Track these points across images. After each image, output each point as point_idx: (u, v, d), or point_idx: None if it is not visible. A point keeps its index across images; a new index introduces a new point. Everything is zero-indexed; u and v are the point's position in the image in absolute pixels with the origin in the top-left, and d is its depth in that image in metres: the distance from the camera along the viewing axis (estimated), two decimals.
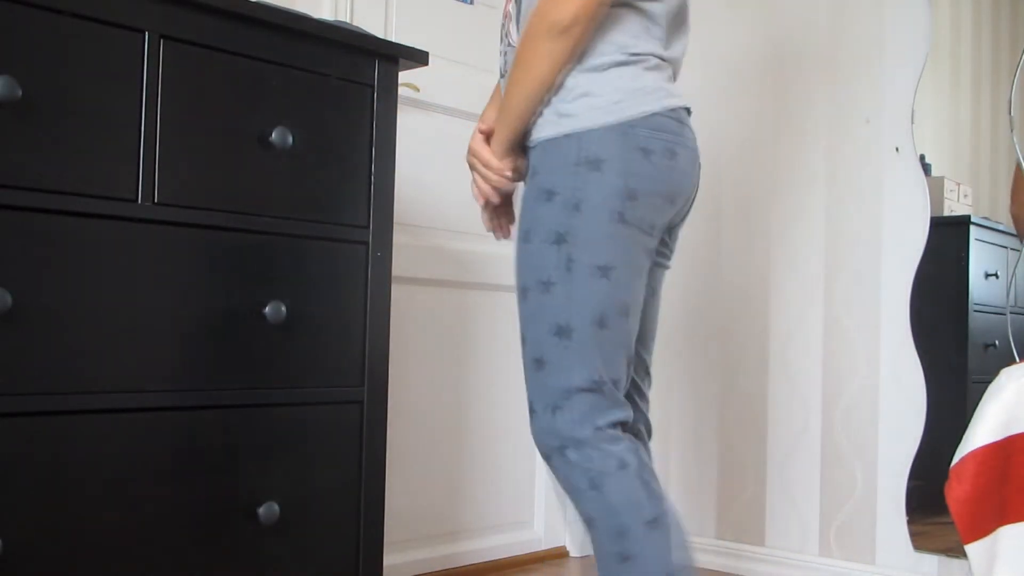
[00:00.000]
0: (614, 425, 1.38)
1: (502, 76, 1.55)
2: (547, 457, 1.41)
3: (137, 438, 1.39)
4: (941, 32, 2.47)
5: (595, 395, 1.37)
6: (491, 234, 1.67)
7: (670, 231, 1.55)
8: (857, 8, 2.50)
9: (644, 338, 1.57)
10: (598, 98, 1.39)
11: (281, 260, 1.55)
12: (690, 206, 1.53)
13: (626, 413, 1.40)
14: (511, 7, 1.52)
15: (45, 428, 1.31)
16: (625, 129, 1.38)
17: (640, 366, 1.59)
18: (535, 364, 1.39)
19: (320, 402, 1.59)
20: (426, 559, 2.47)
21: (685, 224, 1.59)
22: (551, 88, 1.42)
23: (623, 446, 1.37)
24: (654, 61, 1.44)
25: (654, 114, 1.40)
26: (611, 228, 1.37)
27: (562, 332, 1.37)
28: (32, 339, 1.29)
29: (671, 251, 1.59)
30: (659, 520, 1.35)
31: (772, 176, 2.65)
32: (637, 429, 1.56)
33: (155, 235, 1.41)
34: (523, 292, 1.41)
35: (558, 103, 1.42)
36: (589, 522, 1.39)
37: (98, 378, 1.35)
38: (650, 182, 1.39)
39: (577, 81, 1.41)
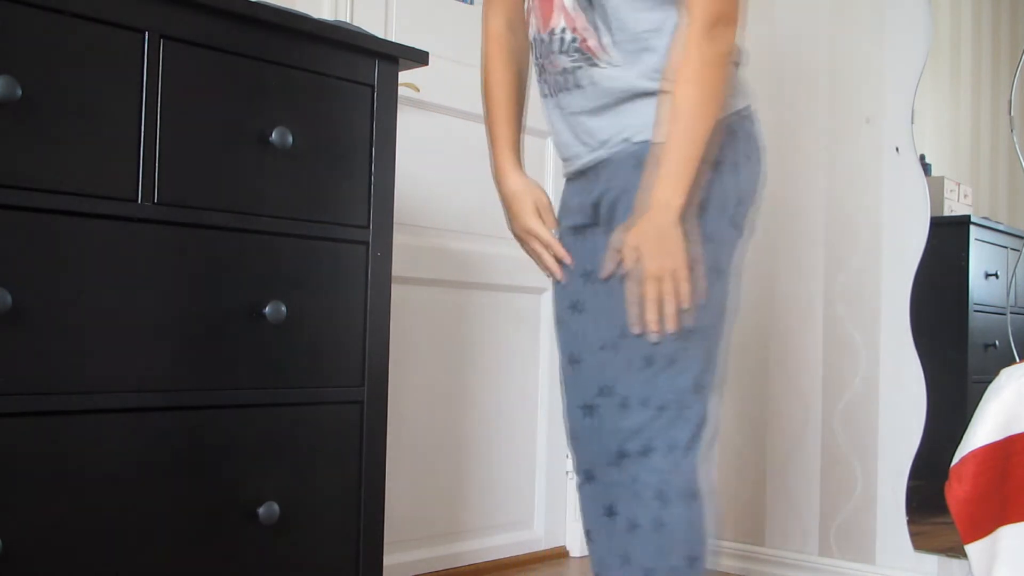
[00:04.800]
0: None
1: (549, 95, 1.49)
2: None
3: (137, 438, 1.39)
4: (941, 32, 2.47)
5: None
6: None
7: None
8: (857, 8, 2.50)
9: None
10: None
11: (281, 260, 1.55)
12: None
13: None
14: (577, 9, 1.40)
15: (45, 428, 1.31)
16: None
17: None
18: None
19: (320, 402, 1.59)
20: (426, 559, 2.47)
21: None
22: None
23: None
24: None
25: None
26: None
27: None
28: (32, 339, 1.29)
29: None
30: None
31: (772, 176, 2.64)
32: None
33: (155, 235, 1.41)
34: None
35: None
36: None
37: (98, 378, 1.35)
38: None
39: None
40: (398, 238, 2.40)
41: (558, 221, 1.55)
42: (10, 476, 1.27)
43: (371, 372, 1.66)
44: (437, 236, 2.51)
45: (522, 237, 1.56)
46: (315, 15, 1.84)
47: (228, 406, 1.49)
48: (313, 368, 1.58)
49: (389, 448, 2.39)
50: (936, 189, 2.46)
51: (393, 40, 2.17)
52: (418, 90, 2.42)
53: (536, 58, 1.50)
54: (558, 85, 1.45)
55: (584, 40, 1.40)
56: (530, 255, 1.57)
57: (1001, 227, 2.52)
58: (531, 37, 1.50)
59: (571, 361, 1.49)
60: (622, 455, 1.37)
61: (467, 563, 2.57)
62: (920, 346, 2.36)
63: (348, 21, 2.28)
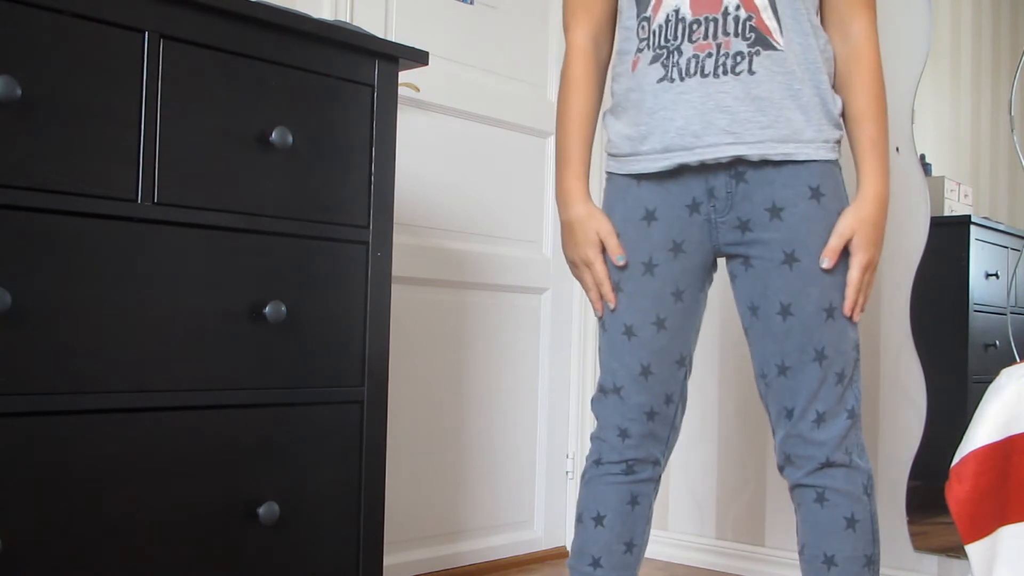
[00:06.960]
0: None
1: (675, 80, 1.42)
2: (831, 464, 1.44)
3: (137, 438, 1.39)
4: (941, 32, 2.47)
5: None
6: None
7: None
8: None
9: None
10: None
11: (281, 260, 1.55)
12: None
13: None
14: None
15: (45, 428, 1.31)
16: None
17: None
18: (838, 377, 1.44)
19: (320, 402, 1.59)
20: (426, 559, 2.47)
21: None
22: None
23: None
24: None
25: None
26: None
27: (857, 350, 1.47)
28: (32, 339, 1.29)
29: None
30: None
31: None
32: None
33: (155, 235, 1.41)
34: (830, 311, 1.43)
35: (835, 128, 1.49)
36: (852, 525, 1.44)
37: (98, 378, 1.35)
38: None
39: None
40: (398, 238, 2.40)
41: (619, 237, 1.50)
42: (10, 476, 1.28)
43: (371, 372, 1.66)
44: (437, 236, 2.51)
45: (577, 264, 1.52)
46: (315, 15, 1.84)
47: (228, 406, 1.49)
48: (313, 368, 1.58)
49: (389, 448, 2.39)
50: (936, 189, 2.46)
51: (393, 40, 2.17)
52: (418, 90, 2.43)
53: (662, 40, 1.43)
54: (704, 68, 1.40)
55: (760, 20, 1.40)
56: (579, 281, 1.54)
57: (1001, 227, 2.52)
58: (660, 20, 1.43)
59: (644, 372, 1.49)
60: (831, 463, 1.45)
61: (467, 563, 2.57)
62: (920, 346, 2.36)
63: (348, 21, 2.28)
